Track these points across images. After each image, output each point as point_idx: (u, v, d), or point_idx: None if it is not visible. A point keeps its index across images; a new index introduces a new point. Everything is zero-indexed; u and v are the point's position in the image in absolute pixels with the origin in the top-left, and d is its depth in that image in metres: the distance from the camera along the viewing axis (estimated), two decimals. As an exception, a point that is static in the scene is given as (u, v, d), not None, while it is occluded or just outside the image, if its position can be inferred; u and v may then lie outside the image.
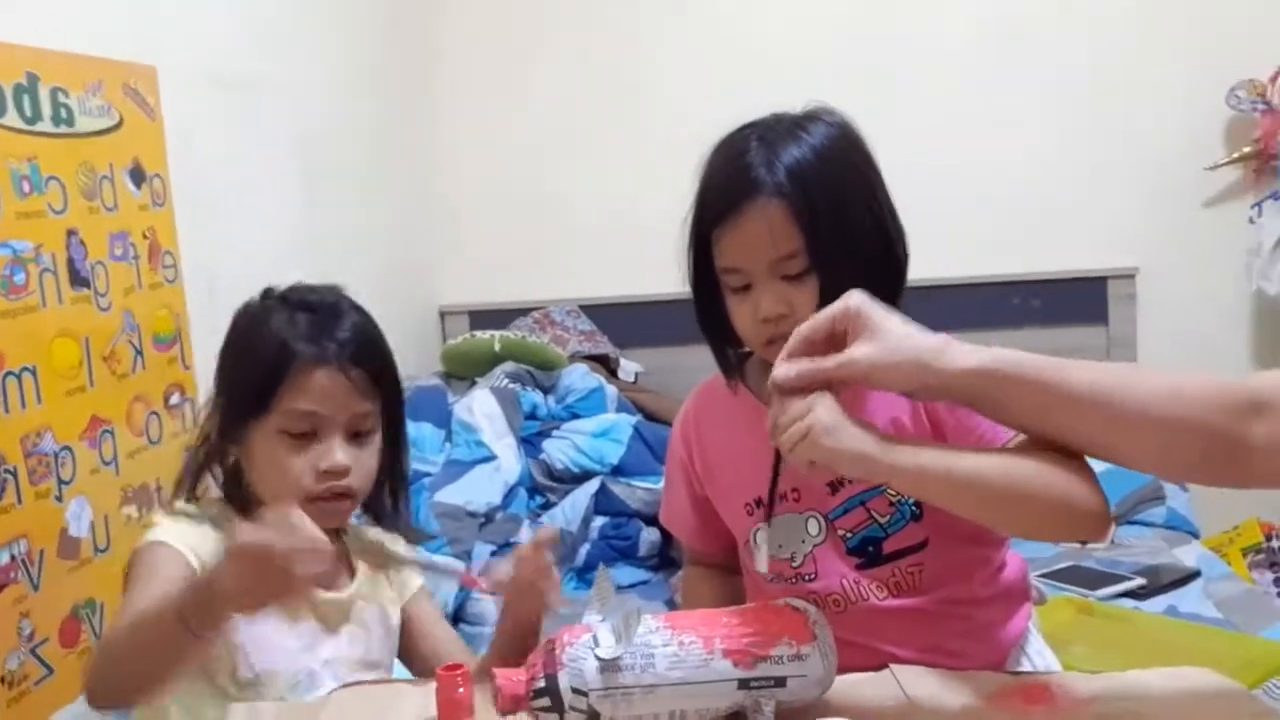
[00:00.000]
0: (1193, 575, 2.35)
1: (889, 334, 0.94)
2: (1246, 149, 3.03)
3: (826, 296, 1.08)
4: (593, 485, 2.60)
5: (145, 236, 1.96)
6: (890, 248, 1.15)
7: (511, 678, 0.94)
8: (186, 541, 1.18)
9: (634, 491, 2.60)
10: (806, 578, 1.17)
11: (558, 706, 0.92)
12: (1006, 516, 1.01)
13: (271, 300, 1.27)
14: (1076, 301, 3.17)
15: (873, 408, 1.14)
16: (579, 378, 2.91)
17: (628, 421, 2.79)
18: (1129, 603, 2.22)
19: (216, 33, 2.28)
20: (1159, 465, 1.04)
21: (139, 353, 1.92)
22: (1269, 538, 2.89)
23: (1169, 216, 3.15)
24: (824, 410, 0.94)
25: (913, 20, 3.18)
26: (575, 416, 2.80)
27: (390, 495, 1.31)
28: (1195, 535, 2.70)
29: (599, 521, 2.57)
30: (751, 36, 3.24)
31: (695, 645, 0.94)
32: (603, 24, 3.35)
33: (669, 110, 3.27)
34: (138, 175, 1.95)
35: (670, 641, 0.94)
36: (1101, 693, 1.05)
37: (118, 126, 1.90)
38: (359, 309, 1.28)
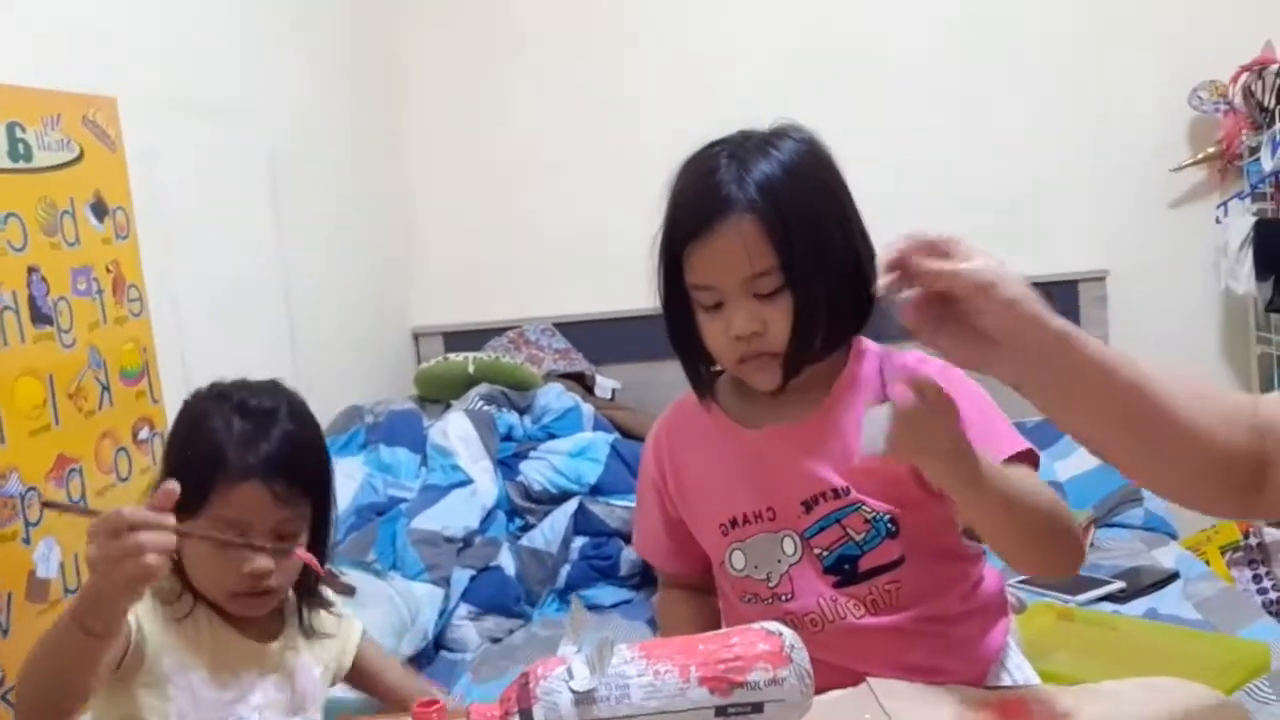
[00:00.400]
0: (1172, 577, 2.36)
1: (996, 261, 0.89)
2: (1210, 149, 3.06)
3: (800, 313, 1.11)
4: (571, 505, 2.59)
5: (109, 270, 1.94)
6: (859, 265, 1.14)
7: (486, 712, 0.93)
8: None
9: (613, 510, 2.59)
10: (783, 598, 1.17)
11: (533, 742, 0.91)
12: (1024, 546, 1.05)
13: (212, 399, 1.31)
14: (1048, 305, 3.18)
15: (850, 437, 1.13)
16: (554, 397, 2.90)
17: (605, 440, 2.78)
18: (1109, 607, 2.22)
19: (178, 60, 2.26)
20: (1184, 485, 0.97)
21: (106, 389, 1.89)
22: (1247, 535, 2.90)
23: (1137, 219, 3.17)
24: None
25: (881, 27, 3.19)
26: (551, 436, 2.79)
27: (298, 591, 1.36)
28: (1173, 536, 2.71)
29: (579, 542, 2.56)
30: (719, 52, 3.25)
31: (671, 674, 0.93)
32: (570, 44, 3.35)
33: (638, 128, 3.27)
34: (99, 209, 1.93)
35: (645, 671, 0.93)
36: (1078, 706, 1.05)
37: (78, 159, 1.87)
38: (297, 414, 1.31)
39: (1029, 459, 1.12)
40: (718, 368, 1.22)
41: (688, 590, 1.31)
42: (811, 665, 0.98)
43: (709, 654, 0.95)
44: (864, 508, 1.14)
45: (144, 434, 2.00)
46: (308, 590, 1.37)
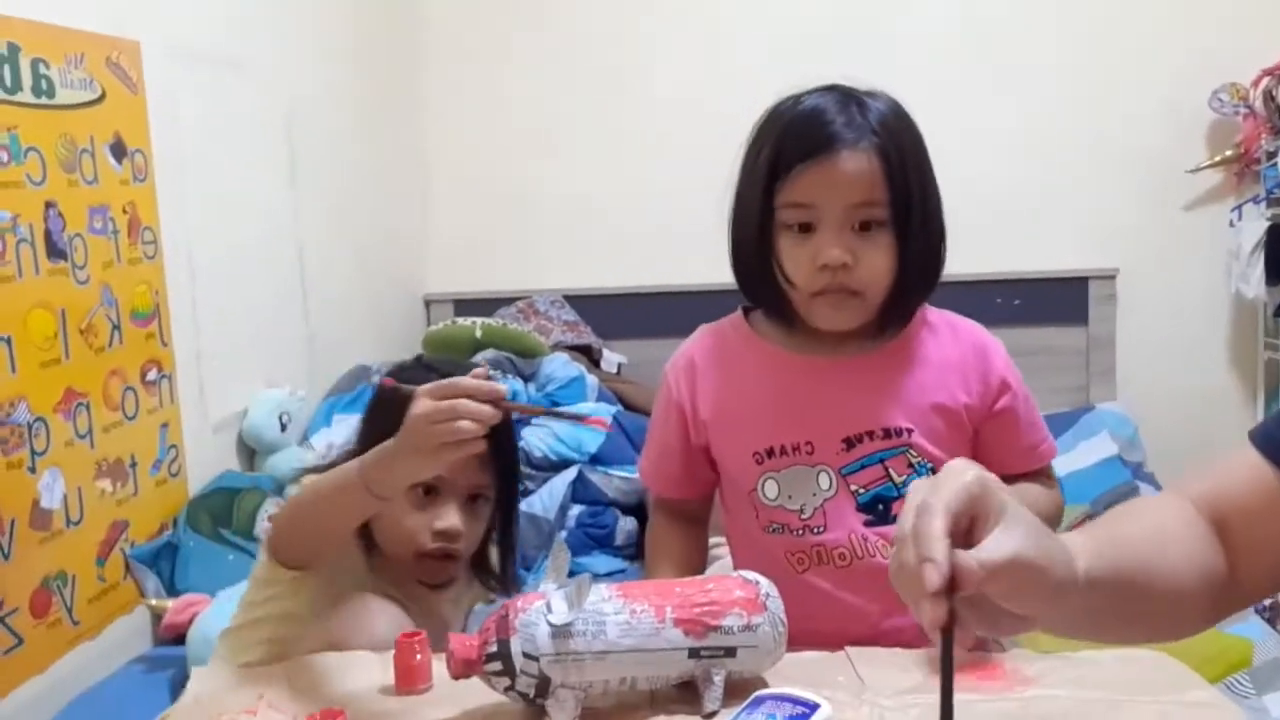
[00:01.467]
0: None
1: (1027, 525, 0.70)
2: (1228, 152, 3.05)
3: (903, 253, 1.13)
4: (570, 473, 2.61)
5: (125, 211, 1.97)
6: (942, 226, 1.18)
7: (465, 642, 0.95)
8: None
9: (611, 480, 2.61)
10: (816, 530, 1.18)
11: (509, 671, 0.93)
12: None
13: (410, 369, 1.34)
14: (1058, 301, 3.19)
15: (935, 357, 1.19)
16: (559, 366, 2.91)
17: (607, 410, 2.79)
18: (1098, 597, 2.22)
19: (203, 9, 2.28)
20: (1180, 631, 0.86)
21: (116, 327, 1.92)
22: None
23: (1150, 218, 3.17)
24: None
25: (894, 20, 3.19)
26: (555, 404, 2.80)
27: (500, 559, 1.38)
28: (1168, 533, 2.71)
29: (576, 510, 2.58)
30: (730, 34, 3.24)
31: (647, 614, 0.95)
32: (591, 16, 3.35)
33: (654, 109, 3.27)
34: (119, 150, 1.95)
35: (622, 610, 0.95)
36: (1052, 670, 1.06)
37: (100, 100, 1.90)
38: None
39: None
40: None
41: (682, 520, 1.31)
42: (786, 616, 0.99)
43: (685, 596, 0.97)
44: (911, 452, 1.16)
45: (152, 375, 2.03)
46: (490, 575, 1.38)
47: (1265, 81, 2.92)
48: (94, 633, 1.85)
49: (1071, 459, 2.76)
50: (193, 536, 2.03)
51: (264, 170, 2.53)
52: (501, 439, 1.24)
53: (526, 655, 0.93)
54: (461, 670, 0.94)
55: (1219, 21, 3.05)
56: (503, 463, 1.29)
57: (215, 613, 1.74)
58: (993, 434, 1.21)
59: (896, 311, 1.17)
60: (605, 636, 0.94)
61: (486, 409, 0.99)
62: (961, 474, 0.70)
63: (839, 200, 1.11)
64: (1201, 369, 3.20)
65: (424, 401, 1.00)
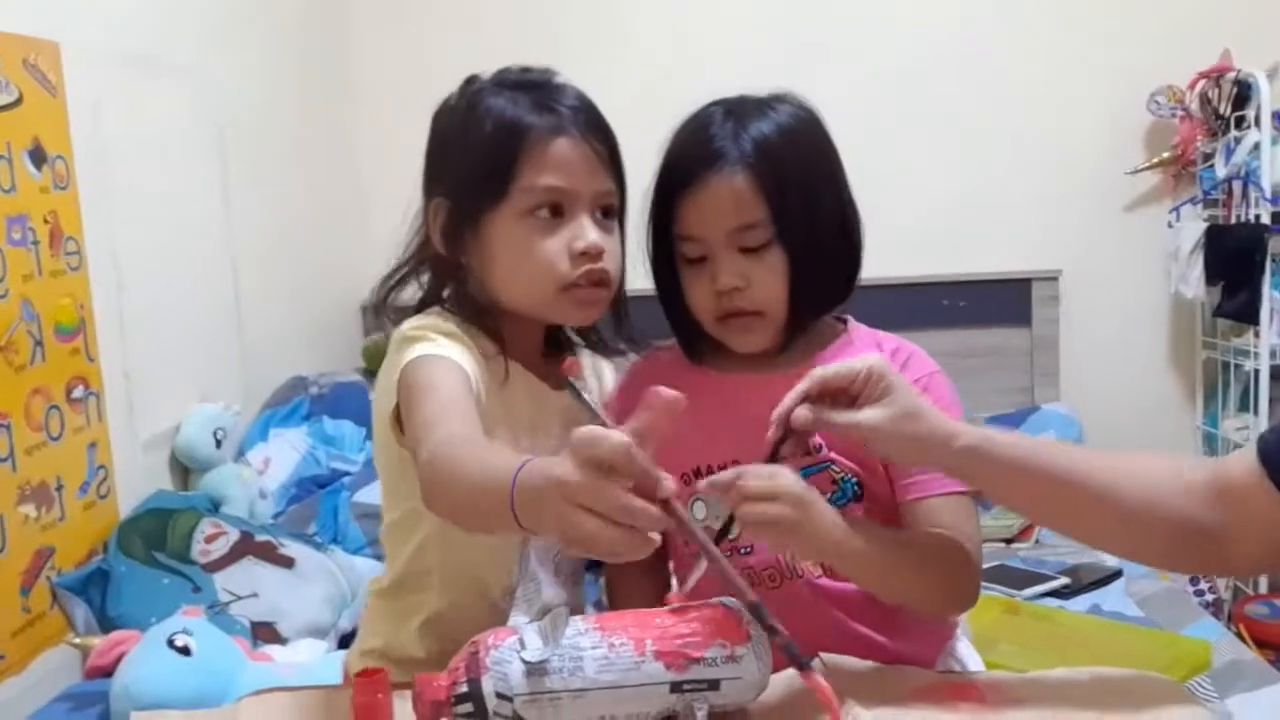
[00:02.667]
0: (1115, 574, 2.38)
1: (898, 405, 0.96)
2: (1165, 154, 3.08)
3: (792, 269, 1.10)
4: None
5: (46, 221, 1.86)
6: (848, 235, 1.15)
7: (432, 682, 0.89)
8: (465, 358, 1.03)
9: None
10: (743, 551, 1.15)
11: (480, 712, 0.87)
12: (907, 597, 1.09)
13: (478, 86, 1.13)
14: (1002, 303, 3.20)
15: None
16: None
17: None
18: (1054, 602, 2.23)
19: (129, 11, 2.18)
20: (1130, 551, 1.08)
21: (38, 343, 1.82)
22: (1186, 537, 2.93)
23: (1092, 220, 3.19)
24: (791, 505, 0.97)
25: (837, 24, 3.17)
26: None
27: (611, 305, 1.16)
28: (1116, 534, 2.73)
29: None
30: (673, 36, 3.21)
31: (626, 647, 0.90)
32: (528, 29, 3.29)
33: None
34: (38, 156, 1.85)
35: (600, 643, 0.90)
36: (1029, 691, 1.03)
37: (16, 104, 1.80)
38: (577, 88, 1.15)
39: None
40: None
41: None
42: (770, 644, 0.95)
43: (666, 628, 0.92)
44: (833, 467, 1.13)
45: (78, 392, 1.92)
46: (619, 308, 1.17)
47: (1201, 84, 2.96)
48: (19, 667, 1.75)
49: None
50: (124, 561, 1.93)
51: (195, 178, 2.44)
52: (612, 138, 1.11)
53: (500, 695, 0.87)
54: (429, 712, 0.88)
55: (1156, 25, 3.08)
56: (619, 172, 1.12)
57: (141, 657, 1.64)
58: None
59: (801, 326, 1.16)
60: (583, 673, 0.88)
61: (651, 513, 0.73)
62: (866, 359, 0.97)
63: (717, 227, 1.10)
64: (1142, 368, 3.24)
65: (570, 467, 0.73)
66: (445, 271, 1.14)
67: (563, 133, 1.07)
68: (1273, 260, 2.79)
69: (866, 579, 1.06)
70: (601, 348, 1.23)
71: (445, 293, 1.16)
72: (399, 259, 1.17)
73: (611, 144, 1.12)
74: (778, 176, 1.09)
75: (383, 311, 1.17)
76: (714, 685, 0.91)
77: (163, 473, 2.24)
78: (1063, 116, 3.16)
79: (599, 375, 1.26)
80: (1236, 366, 2.97)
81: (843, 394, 0.98)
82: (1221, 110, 2.90)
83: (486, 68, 1.14)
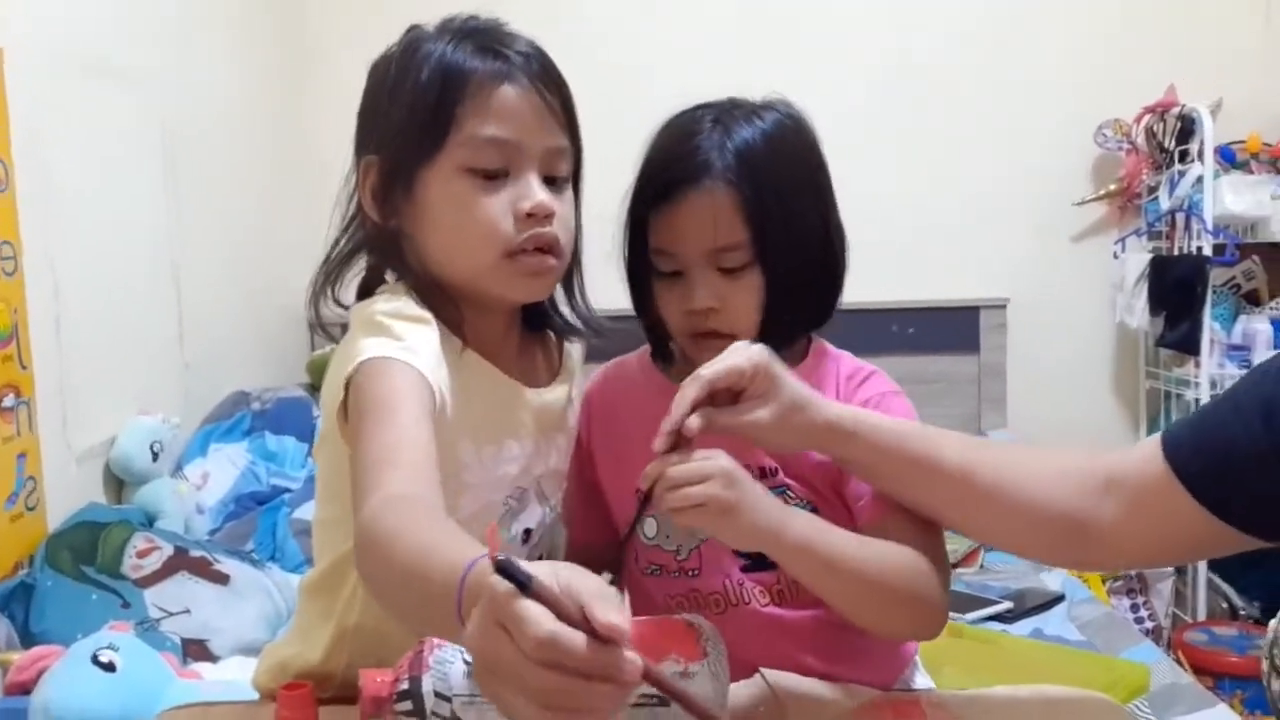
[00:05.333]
0: (1057, 599, 2.40)
1: (784, 398, 0.95)
2: (1112, 186, 3.14)
3: (770, 293, 1.06)
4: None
5: (-20, 223, 1.82)
6: (832, 258, 1.11)
7: (376, 678, 0.87)
8: (418, 354, 0.90)
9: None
10: (690, 573, 1.12)
11: (419, 711, 0.85)
12: (865, 609, 1.00)
13: (418, 33, 1.01)
14: (950, 330, 3.23)
15: None
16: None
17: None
18: (997, 625, 2.24)
19: (72, 13, 2.14)
20: (1015, 545, 1.07)
21: (-32, 349, 1.77)
22: (1127, 564, 2.97)
23: (1039, 250, 3.24)
24: (722, 484, 0.91)
25: (792, 54, 3.20)
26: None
27: (569, 280, 1.06)
28: (1059, 560, 2.76)
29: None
30: (636, 55, 3.22)
31: None
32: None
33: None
34: (-27, 156, 1.81)
35: None
36: (972, 709, 1.03)
37: (-48, 103, 1.75)
38: (529, 40, 1.02)
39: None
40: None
41: (599, 572, 1.24)
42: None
43: None
44: (788, 492, 1.09)
45: (9, 401, 1.87)
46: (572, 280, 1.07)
47: (1147, 118, 3.02)
48: (-64, 684, 1.68)
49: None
50: (51, 575, 1.87)
51: (138, 183, 2.39)
52: (565, 89, 0.99)
53: (438, 695, 0.85)
54: (370, 708, 0.86)
55: (1104, 60, 3.14)
56: (572, 128, 1.01)
57: (63, 673, 1.58)
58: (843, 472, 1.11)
59: (774, 349, 1.08)
60: None
61: (605, 694, 0.57)
62: (734, 353, 0.94)
63: (695, 247, 1.05)
64: (1087, 397, 3.28)
65: (488, 632, 0.58)
66: (380, 242, 1.01)
67: (509, 79, 0.95)
68: (1213, 291, 2.84)
69: (815, 578, 0.98)
70: (570, 332, 1.13)
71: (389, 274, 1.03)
72: (335, 233, 1.04)
73: (565, 96, 1.00)
74: (761, 197, 1.04)
75: (322, 300, 1.04)
76: (663, 701, 0.89)
77: (96, 485, 2.18)
78: (1012, 148, 3.21)
79: (569, 360, 1.15)
80: (1178, 396, 3.01)
81: (728, 393, 0.95)
82: (1166, 144, 2.96)
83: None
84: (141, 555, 1.94)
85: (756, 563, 1.11)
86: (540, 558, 1.10)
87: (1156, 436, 0.96)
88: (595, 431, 1.19)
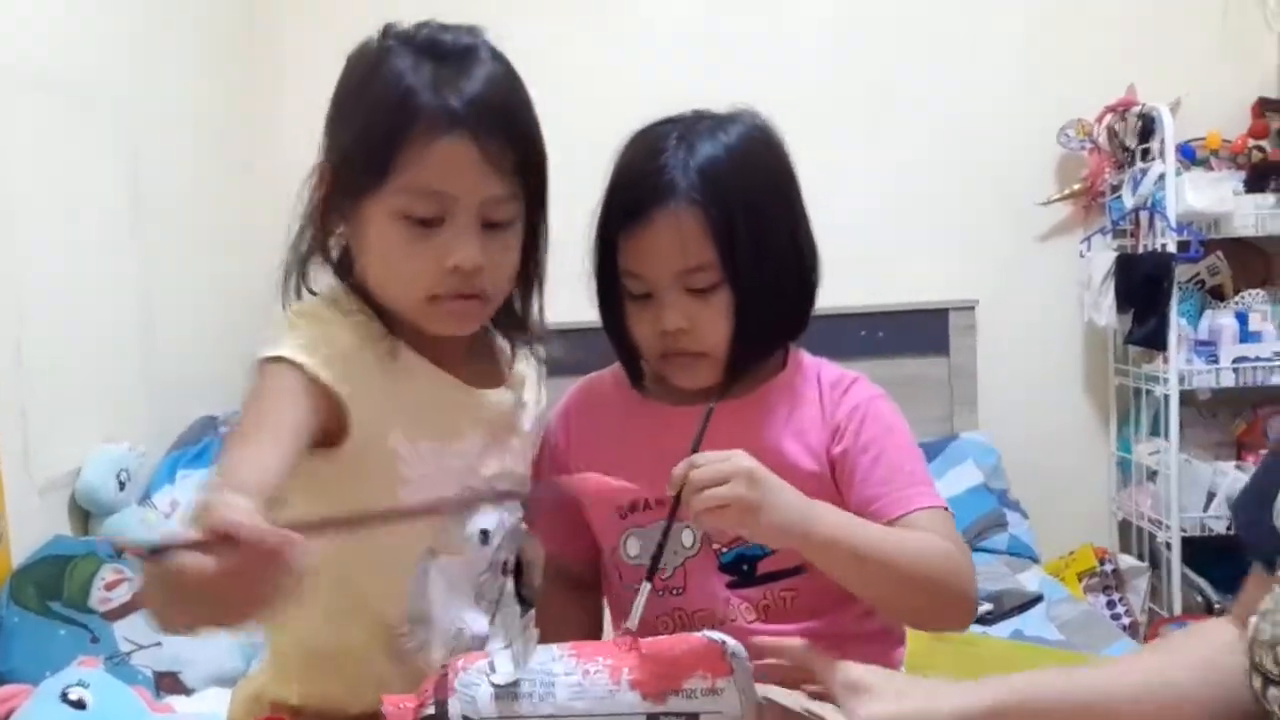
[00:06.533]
0: (1036, 599, 2.40)
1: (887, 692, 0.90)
2: (1076, 186, 3.15)
3: (740, 313, 1.06)
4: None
5: (-65, 252, 1.78)
6: (803, 265, 1.11)
7: (399, 704, 0.86)
8: (342, 367, 0.93)
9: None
10: (674, 591, 1.11)
11: (448, 735, 0.84)
12: (895, 599, 1.01)
13: (393, 39, 1.00)
14: (919, 332, 3.23)
15: (776, 436, 1.09)
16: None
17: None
18: (978, 628, 2.24)
19: (35, 31, 2.10)
20: None
21: (-75, 381, 1.73)
22: (1102, 562, 2.98)
23: (1006, 250, 3.25)
24: (746, 484, 0.91)
25: (755, 54, 3.20)
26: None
27: (520, 298, 1.07)
28: (1036, 560, 2.77)
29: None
30: (606, 68, 3.21)
31: (601, 675, 0.87)
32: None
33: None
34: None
35: (574, 670, 0.87)
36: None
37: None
38: (500, 58, 1.02)
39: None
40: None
41: (566, 585, 1.23)
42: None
43: (644, 657, 0.89)
44: None
45: (-32, 433, 1.83)
46: (507, 321, 1.08)
47: (1108, 118, 3.04)
48: (-100, 728, 1.64)
49: (939, 488, 2.78)
50: (16, 611, 1.84)
51: (104, 204, 2.35)
52: (521, 128, 0.99)
53: (466, 718, 0.84)
54: (397, 733, 0.85)
55: (1065, 61, 3.16)
56: (527, 167, 0.99)
57: (32, 713, 1.55)
58: (840, 480, 1.11)
59: (747, 364, 1.11)
60: (554, 699, 0.85)
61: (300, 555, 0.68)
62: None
63: (663, 269, 1.05)
64: (1058, 396, 3.29)
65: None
66: (327, 244, 1.03)
67: (454, 129, 0.94)
68: (1179, 288, 2.86)
69: (846, 572, 0.98)
70: (520, 342, 1.12)
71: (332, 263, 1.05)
72: (299, 224, 1.04)
73: (517, 138, 0.99)
74: (728, 215, 1.03)
75: (287, 298, 1.04)
76: (693, 718, 0.88)
77: (61, 517, 2.14)
78: (976, 149, 3.21)
79: (522, 365, 1.14)
80: (1148, 392, 3.03)
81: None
82: (1128, 143, 2.98)
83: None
84: (110, 588, 1.91)
85: (742, 580, 1.10)
86: (506, 563, 1.10)
87: None
88: (573, 445, 1.19)
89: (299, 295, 1.03)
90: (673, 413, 1.13)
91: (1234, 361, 2.88)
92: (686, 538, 1.12)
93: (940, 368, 3.26)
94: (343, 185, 0.99)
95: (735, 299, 1.05)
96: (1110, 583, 2.98)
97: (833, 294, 3.58)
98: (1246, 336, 2.90)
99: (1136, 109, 2.95)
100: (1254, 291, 2.99)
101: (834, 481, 1.10)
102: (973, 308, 3.24)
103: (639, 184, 1.06)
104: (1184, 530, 2.86)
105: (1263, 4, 3.08)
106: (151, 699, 1.70)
